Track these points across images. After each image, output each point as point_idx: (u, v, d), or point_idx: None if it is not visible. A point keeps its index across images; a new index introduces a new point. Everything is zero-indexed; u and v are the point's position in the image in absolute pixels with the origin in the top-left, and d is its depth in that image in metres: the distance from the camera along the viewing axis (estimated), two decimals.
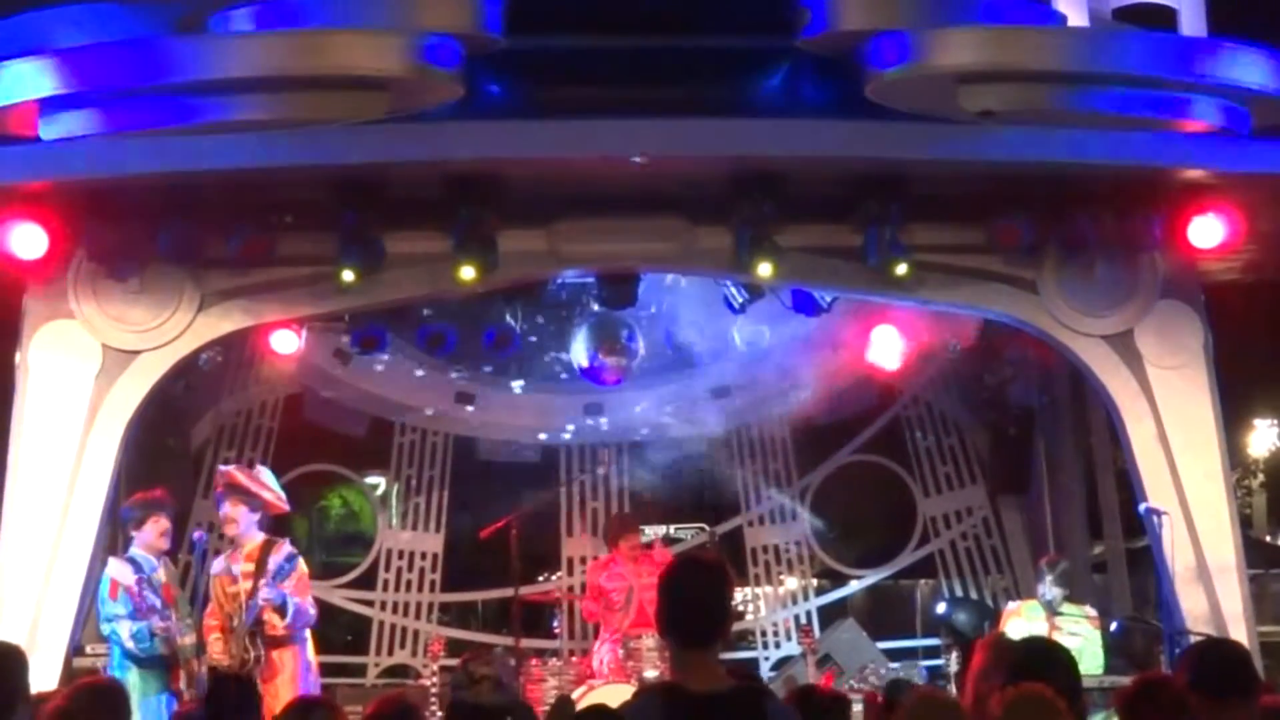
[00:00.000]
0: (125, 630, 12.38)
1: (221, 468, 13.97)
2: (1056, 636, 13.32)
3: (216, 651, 12.65)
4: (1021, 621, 13.83)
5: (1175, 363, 14.61)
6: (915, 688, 10.05)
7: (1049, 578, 14.12)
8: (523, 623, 15.93)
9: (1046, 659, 7.14)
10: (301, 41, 12.33)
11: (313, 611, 12.97)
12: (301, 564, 13.06)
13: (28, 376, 13.98)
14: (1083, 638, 13.78)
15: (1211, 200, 14.23)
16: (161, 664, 12.35)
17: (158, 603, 12.49)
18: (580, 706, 13.26)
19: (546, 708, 14.15)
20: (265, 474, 13.60)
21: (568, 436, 18.67)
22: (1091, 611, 14.32)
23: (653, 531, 19.66)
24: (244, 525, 13.02)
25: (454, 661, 14.84)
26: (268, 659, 12.61)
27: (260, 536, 13.05)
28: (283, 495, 13.46)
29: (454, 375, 18.11)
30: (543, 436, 18.68)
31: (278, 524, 13.52)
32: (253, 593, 12.63)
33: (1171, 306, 14.66)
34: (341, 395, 18.04)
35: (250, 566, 12.81)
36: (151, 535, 12.83)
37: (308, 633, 13.02)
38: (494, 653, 9.68)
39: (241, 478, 13.27)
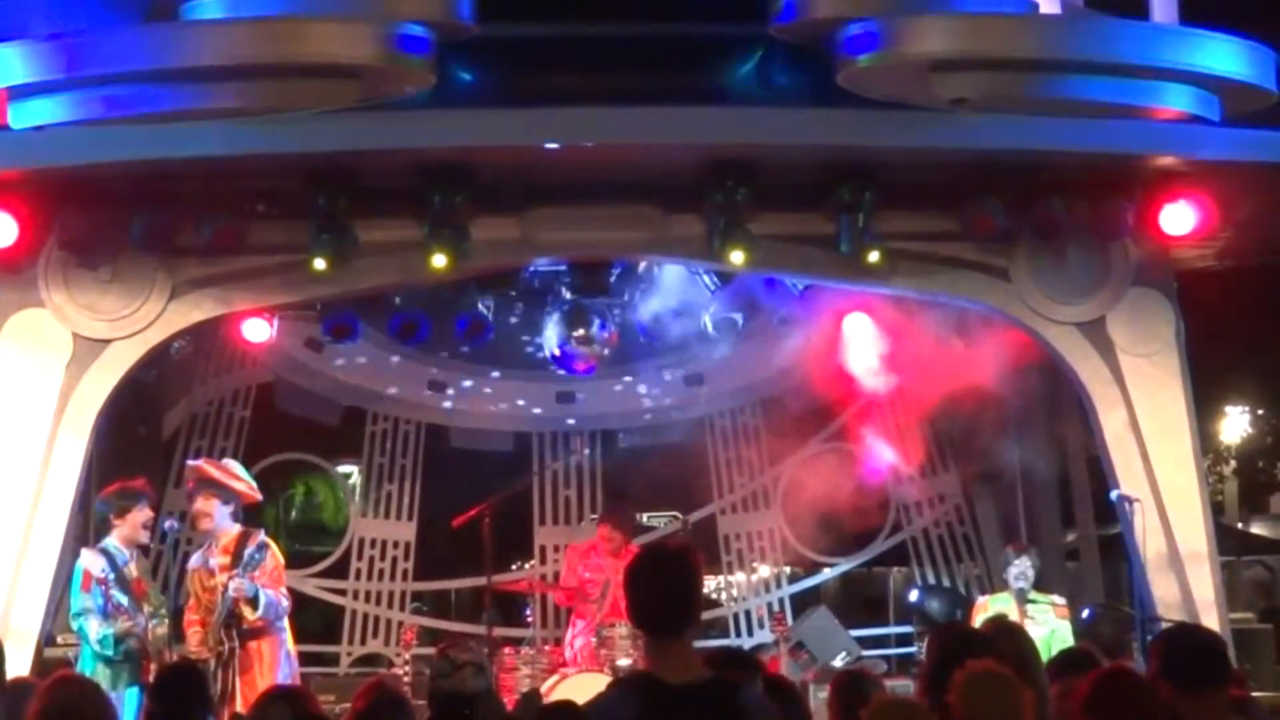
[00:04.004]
0: (93, 629, 12.28)
1: (190, 461, 13.84)
2: (1027, 625, 13.33)
3: (194, 643, 12.59)
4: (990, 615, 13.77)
5: (1147, 350, 14.64)
6: (877, 694, 10.01)
7: (1027, 563, 14.06)
8: (495, 611, 15.90)
9: (990, 638, 7.20)
10: (273, 29, 12.29)
11: (286, 602, 12.88)
12: (274, 554, 12.91)
13: None
14: (1050, 627, 13.75)
15: (1183, 188, 14.26)
16: (131, 657, 12.29)
17: (125, 601, 12.39)
18: (553, 696, 13.34)
19: (520, 696, 14.18)
20: (234, 465, 13.53)
21: (540, 425, 18.63)
22: (1059, 600, 14.31)
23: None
24: (218, 518, 12.88)
25: (428, 650, 14.85)
26: (244, 650, 12.56)
27: (236, 528, 12.92)
28: (254, 484, 13.37)
29: (426, 363, 18.07)
30: (515, 425, 18.65)
31: (248, 514, 13.44)
32: (226, 585, 12.56)
33: (1143, 294, 14.70)
34: (313, 384, 18.00)
35: (226, 559, 12.71)
36: (133, 526, 12.73)
37: (286, 623, 12.94)
38: (469, 642, 9.64)
39: (213, 470, 13.14)
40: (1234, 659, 9.30)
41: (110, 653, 12.22)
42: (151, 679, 12.22)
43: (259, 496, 13.47)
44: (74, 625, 12.58)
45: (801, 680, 14.53)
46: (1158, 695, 6.64)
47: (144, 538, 12.94)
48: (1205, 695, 6.73)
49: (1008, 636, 7.55)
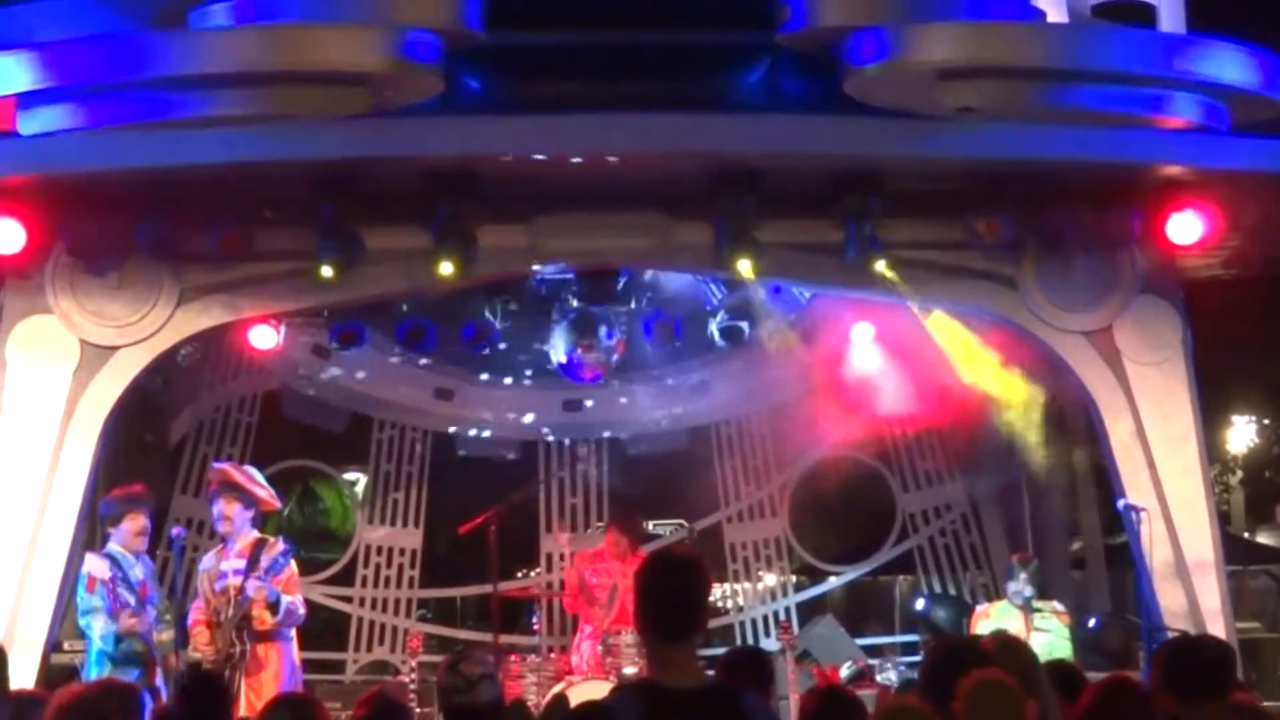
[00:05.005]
0: (98, 628, 12.34)
1: (215, 464, 13.91)
2: (1034, 633, 13.31)
3: (202, 643, 12.63)
4: (992, 624, 13.68)
5: (1154, 359, 14.64)
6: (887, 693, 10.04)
7: (1023, 575, 14.00)
8: (501, 619, 15.91)
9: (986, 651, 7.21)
10: (280, 36, 12.29)
11: (302, 611, 12.96)
12: (293, 563, 13.02)
13: (5, 372, 13.97)
14: (1052, 633, 13.72)
15: (1190, 196, 14.25)
16: (137, 661, 12.31)
17: (132, 600, 12.44)
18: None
19: (548, 700, 14.19)
20: (255, 473, 13.57)
21: (547, 432, 18.64)
22: (1059, 607, 14.25)
23: None
24: (238, 523, 12.97)
25: (434, 658, 14.85)
26: (253, 654, 12.60)
27: (253, 534, 13.00)
28: (274, 493, 13.45)
29: (433, 370, 18.08)
30: (522, 432, 18.65)
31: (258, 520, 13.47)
32: (242, 588, 12.60)
33: (1150, 302, 14.70)
34: (320, 391, 18.00)
35: (242, 563, 12.77)
36: (127, 534, 12.78)
37: (293, 631, 12.99)
38: (475, 652, 9.61)
39: (237, 475, 13.23)
40: (1240, 668, 9.31)
41: (112, 651, 12.24)
42: (174, 684, 12.32)
43: (278, 505, 13.59)
44: (80, 624, 12.61)
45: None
46: (1157, 704, 6.68)
47: (141, 545, 12.96)
48: (1207, 706, 6.76)
49: (1010, 651, 7.55)
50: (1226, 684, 6.95)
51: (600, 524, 18.31)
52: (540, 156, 13.55)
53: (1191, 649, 7.41)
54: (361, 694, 8.20)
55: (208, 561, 13.14)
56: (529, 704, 14.04)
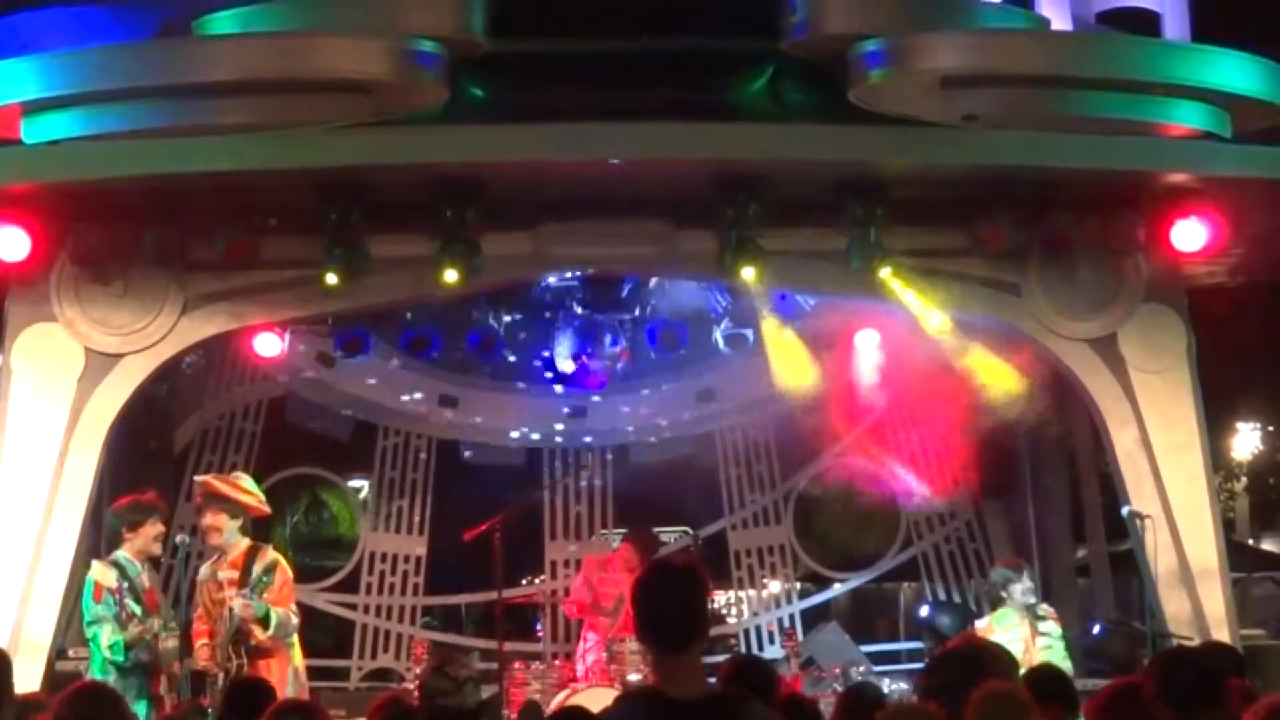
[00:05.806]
0: (105, 636, 12.31)
1: (198, 477, 13.85)
2: (1039, 639, 13.26)
3: (203, 657, 12.60)
4: (997, 636, 13.42)
5: (1158, 366, 14.64)
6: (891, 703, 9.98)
7: (1026, 573, 13.89)
8: (506, 626, 15.90)
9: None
10: (286, 45, 12.31)
11: (295, 620, 12.89)
12: (283, 571, 12.92)
13: (10, 380, 13.97)
14: (1051, 638, 13.67)
15: (1194, 204, 14.26)
16: (141, 669, 12.29)
17: (138, 610, 12.42)
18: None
19: (521, 708, 14.20)
20: (244, 478, 13.52)
21: (551, 440, 18.63)
22: (1051, 610, 14.17)
23: None
24: (227, 533, 12.92)
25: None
26: (252, 666, 12.56)
27: (244, 543, 12.93)
28: (263, 498, 13.37)
29: (437, 378, 18.08)
30: (527, 440, 18.65)
31: (258, 527, 13.43)
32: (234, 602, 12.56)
33: (1155, 310, 14.69)
34: (325, 398, 18.01)
35: (234, 574, 12.72)
36: (145, 539, 12.75)
37: (295, 639, 12.95)
38: (461, 655, 9.64)
39: (221, 485, 13.15)
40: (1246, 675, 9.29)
41: (121, 659, 12.22)
42: (162, 690, 12.31)
43: (267, 510, 13.48)
44: (88, 634, 12.59)
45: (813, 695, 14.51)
46: (1153, 714, 6.69)
47: (156, 550, 12.97)
48: (1202, 715, 6.75)
49: (993, 658, 7.53)
50: (1222, 692, 6.94)
51: (605, 531, 18.31)
52: (547, 159, 13.56)
53: (1185, 658, 7.41)
54: (374, 700, 8.19)
55: (204, 572, 13.08)
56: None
